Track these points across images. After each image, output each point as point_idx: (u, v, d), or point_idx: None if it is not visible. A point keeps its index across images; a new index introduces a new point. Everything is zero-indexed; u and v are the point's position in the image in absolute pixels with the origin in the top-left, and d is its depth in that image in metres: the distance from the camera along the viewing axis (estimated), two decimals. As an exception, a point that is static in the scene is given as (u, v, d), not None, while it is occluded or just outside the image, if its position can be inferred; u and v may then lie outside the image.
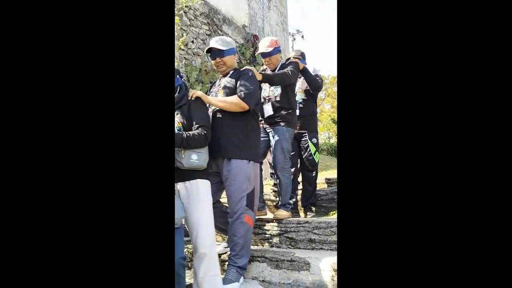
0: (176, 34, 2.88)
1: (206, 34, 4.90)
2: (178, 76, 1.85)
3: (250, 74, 1.97)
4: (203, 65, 4.71)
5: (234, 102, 1.85)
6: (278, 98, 2.43)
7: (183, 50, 4.39)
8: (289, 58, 2.65)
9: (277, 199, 2.69)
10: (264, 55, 2.44)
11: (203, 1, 4.71)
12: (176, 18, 2.75)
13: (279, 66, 2.48)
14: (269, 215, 2.52)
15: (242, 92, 1.86)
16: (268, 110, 2.40)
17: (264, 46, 2.44)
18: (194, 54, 4.65)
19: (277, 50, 2.45)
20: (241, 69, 2.02)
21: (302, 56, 2.80)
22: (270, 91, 2.47)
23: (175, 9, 2.71)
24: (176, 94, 1.81)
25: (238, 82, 1.91)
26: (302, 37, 14.54)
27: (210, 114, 1.92)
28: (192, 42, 4.55)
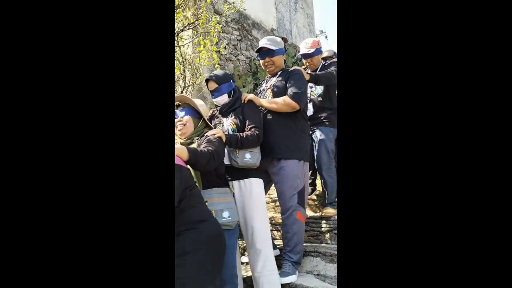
0: (216, 40, 3.00)
1: (237, 40, 5.03)
2: (231, 81, 1.95)
3: (300, 74, 2.04)
4: (236, 69, 4.83)
5: (285, 103, 1.92)
6: (320, 98, 2.48)
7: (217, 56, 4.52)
8: (324, 58, 2.69)
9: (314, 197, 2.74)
10: (306, 56, 2.50)
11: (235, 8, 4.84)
12: (218, 26, 2.87)
13: (319, 67, 2.54)
14: (309, 213, 2.57)
15: (292, 92, 1.93)
16: (309, 109, 2.44)
17: (305, 47, 2.50)
18: (226, 59, 4.79)
19: (318, 51, 2.51)
20: (290, 69, 2.09)
21: (335, 55, 2.83)
22: (310, 91, 2.52)
23: (219, 17, 2.83)
24: (230, 98, 1.92)
25: (288, 82, 1.99)
26: (326, 37, 14.50)
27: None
28: (225, 48, 4.68)
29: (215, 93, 1.93)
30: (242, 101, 1.90)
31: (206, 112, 1.87)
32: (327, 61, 2.63)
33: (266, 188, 2.16)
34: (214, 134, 1.64)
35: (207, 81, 1.97)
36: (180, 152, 1.43)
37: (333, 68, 2.41)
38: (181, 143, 1.68)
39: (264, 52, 2.06)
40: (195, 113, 1.75)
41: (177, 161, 1.38)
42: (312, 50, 2.48)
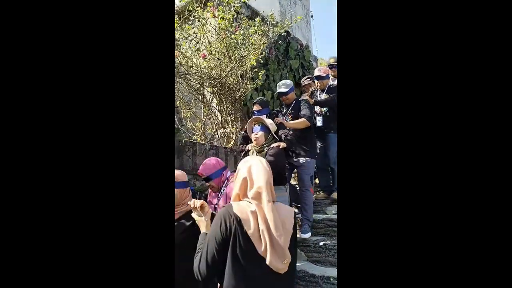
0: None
1: (247, 33, 5.69)
2: (268, 107, 2.85)
3: (308, 103, 2.99)
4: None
5: (303, 123, 2.85)
6: (328, 113, 3.43)
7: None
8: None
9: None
10: (319, 78, 3.46)
11: (245, 3, 5.42)
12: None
13: (326, 88, 3.47)
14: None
15: (307, 117, 2.86)
16: (319, 121, 3.41)
17: (319, 72, 3.45)
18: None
19: (328, 77, 3.46)
20: (300, 99, 3.03)
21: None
22: (320, 109, 3.49)
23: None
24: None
25: (301, 109, 2.91)
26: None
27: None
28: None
29: (258, 112, 2.81)
30: (276, 123, 2.79)
31: (274, 128, 2.64)
32: (332, 84, 3.54)
33: (291, 174, 3.14)
34: (279, 146, 2.47)
35: (254, 103, 2.86)
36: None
37: (333, 95, 3.34)
38: (255, 150, 2.53)
39: (281, 93, 2.97)
40: (266, 129, 2.54)
41: None
42: (324, 75, 3.42)
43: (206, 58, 3.39)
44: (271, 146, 2.50)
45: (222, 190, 2.19)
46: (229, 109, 3.90)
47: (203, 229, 1.45)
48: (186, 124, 3.85)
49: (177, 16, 3.39)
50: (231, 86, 3.75)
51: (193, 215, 1.52)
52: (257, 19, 3.78)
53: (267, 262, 1.15)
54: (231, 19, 3.59)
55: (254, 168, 1.30)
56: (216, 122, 3.86)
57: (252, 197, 1.24)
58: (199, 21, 3.49)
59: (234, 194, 1.33)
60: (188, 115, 3.80)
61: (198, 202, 1.50)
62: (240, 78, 3.88)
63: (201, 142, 3.53)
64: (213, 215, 1.55)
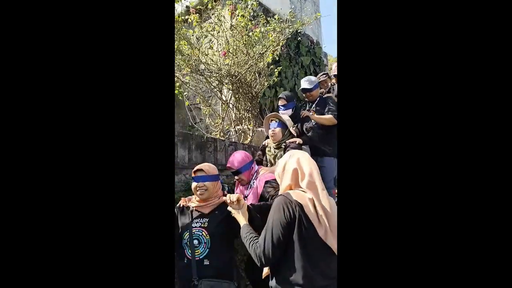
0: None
1: (260, 31, 5.74)
2: (294, 100, 2.89)
3: (334, 100, 3.02)
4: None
5: (331, 120, 2.89)
6: None
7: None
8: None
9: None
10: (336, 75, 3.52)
11: (258, 1, 5.48)
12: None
13: None
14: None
15: (334, 113, 2.89)
16: None
17: (336, 70, 3.50)
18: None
19: None
20: (325, 97, 3.05)
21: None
22: None
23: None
24: (291, 113, 2.86)
25: (328, 106, 2.95)
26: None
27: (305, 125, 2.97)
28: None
29: (283, 107, 2.85)
30: (302, 116, 2.85)
31: (290, 125, 2.73)
32: None
33: None
34: (295, 141, 2.57)
35: (279, 98, 2.90)
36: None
37: None
38: (273, 146, 2.59)
39: (305, 90, 3.01)
40: (283, 125, 2.61)
41: None
42: None
43: (226, 56, 3.46)
44: (288, 142, 2.55)
45: (252, 183, 2.26)
46: (247, 106, 3.97)
47: (242, 221, 1.52)
48: (205, 120, 3.93)
49: (198, 14, 3.46)
50: (248, 83, 3.82)
51: (230, 209, 1.60)
52: (276, 16, 3.84)
53: (329, 244, 1.26)
54: (248, 17, 3.66)
55: (303, 160, 1.39)
56: (233, 118, 3.93)
57: (306, 186, 1.32)
58: (219, 19, 3.56)
59: (285, 185, 1.41)
60: (208, 112, 3.87)
61: (234, 197, 1.57)
62: (257, 75, 3.94)
63: (220, 138, 3.61)
64: (248, 208, 1.62)
